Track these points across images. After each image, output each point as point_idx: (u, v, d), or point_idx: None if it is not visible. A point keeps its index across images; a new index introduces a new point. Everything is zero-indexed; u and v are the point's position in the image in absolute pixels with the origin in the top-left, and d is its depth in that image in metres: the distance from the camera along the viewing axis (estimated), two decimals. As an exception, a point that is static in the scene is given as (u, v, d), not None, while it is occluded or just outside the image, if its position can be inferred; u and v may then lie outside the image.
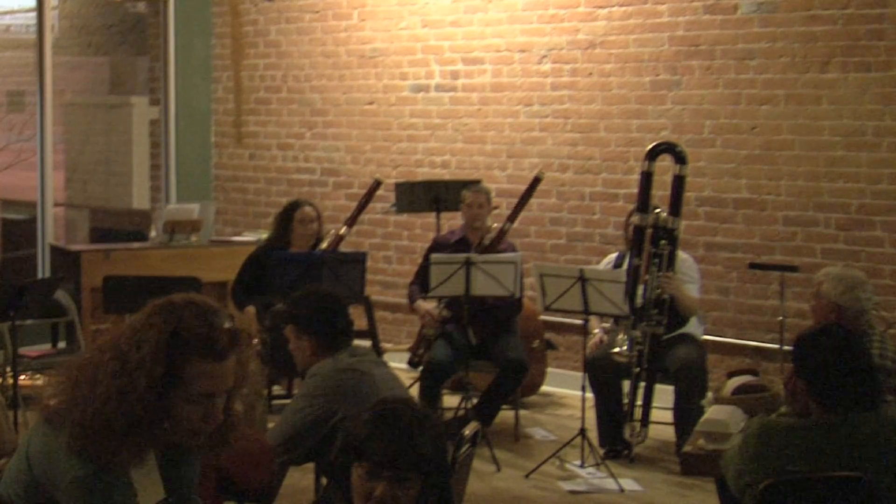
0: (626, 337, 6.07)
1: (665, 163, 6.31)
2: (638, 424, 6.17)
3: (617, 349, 6.06)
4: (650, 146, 6.34)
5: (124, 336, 2.42)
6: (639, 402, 6.16)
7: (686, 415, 6.06)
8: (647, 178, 6.19)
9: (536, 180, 6.78)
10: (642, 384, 6.14)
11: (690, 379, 6.09)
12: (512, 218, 6.71)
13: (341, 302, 4.31)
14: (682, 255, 6.33)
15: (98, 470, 2.38)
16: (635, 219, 6.20)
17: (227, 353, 2.41)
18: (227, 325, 2.43)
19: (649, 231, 6.15)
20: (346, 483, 2.49)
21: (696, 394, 6.14)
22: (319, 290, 4.46)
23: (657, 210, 6.16)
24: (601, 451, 6.11)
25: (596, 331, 6.50)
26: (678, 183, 6.21)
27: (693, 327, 6.34)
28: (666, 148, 6.30)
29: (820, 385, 3.32)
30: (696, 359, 6.17)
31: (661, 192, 6.28)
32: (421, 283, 6.66)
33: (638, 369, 6.08)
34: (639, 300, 6.09)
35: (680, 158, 6.21)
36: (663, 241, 6.11)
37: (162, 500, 2.55)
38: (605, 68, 7.54)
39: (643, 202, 6.18)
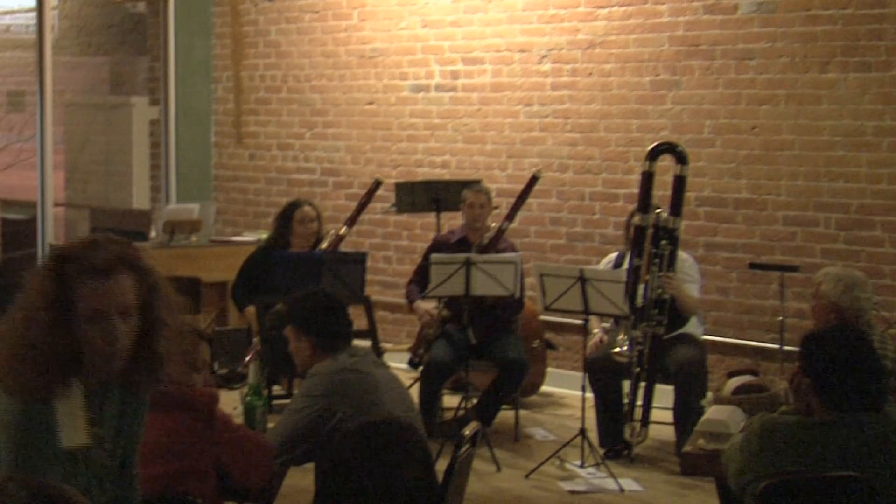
0: (626, 337, 6.06)
1: (665, 163, 6.31)
2: (638, 424, 6.16)
3: (617, 349, 6.06)
4: (651, 146, 6.34)
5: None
6: (639, 403, 6.16)
7: (686, 415, 6.06)
8: (647, 179, 6.19)
9: (534, 179, 6.77)
10: (642, 384, 6.14)
11: (690, 379, 6.09)
12: (510, 217, 6.71)
13: (340, 303, 4.31)
14: (682, 255, 6.33)
15: (21, 404, 2.50)
16: (636, 219, 6.20)
17: (112, 271, 2.52)
18: (114, 247, 2.56)
19: (650, 231, 6.15)
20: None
21: (695, 394, 6.13)
22: (319, 291, 4.46)
23: (658, 210, 6.16)
24: (601, 452, 6.11)
25: (596, 330, 6.49)
26: (679, 183, 6.21)
27: (693, 327, 6.34)
28: (667, 148, 6.30)
29: (825, 383, 3.32)
30: (697, 359, 6.16)
31: (662, 192, 6.28)
32: (420, 282, 6.66)
33: (638, 369, 6.08)
34: (639, 300, 6.09)
35: (681, 158, 6.21)
36: (664, 241, 6.11)
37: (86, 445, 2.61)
38: (605, 68, 7.54)
39: (644, 202, 6.18)
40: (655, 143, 6.39)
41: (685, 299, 6.18)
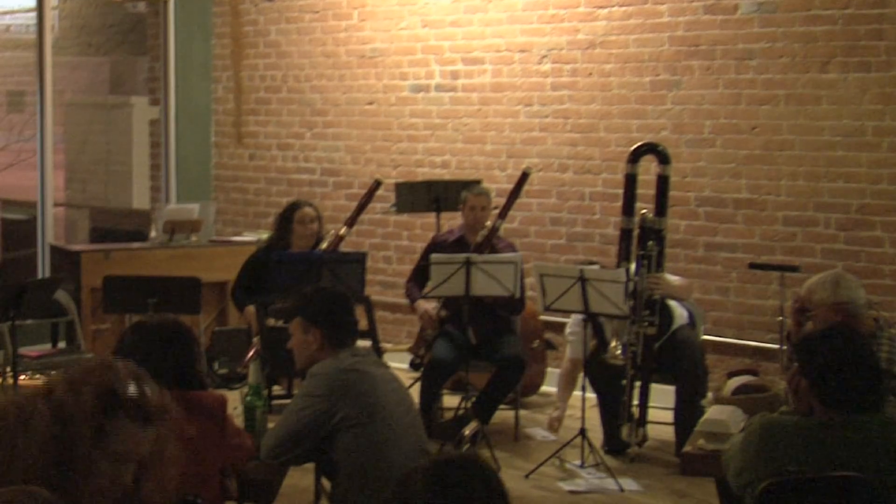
0: (618, 343, 6.04)
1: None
2: (635, 425, 6.16)
3: (613, 354, 6.04)
4: (632, 148, 6.33)
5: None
6: (635, 402, 6.16)
7: (688, 416, 6.06)
8: (631, 181, 6.19)
9: (524, 175, 6.76)
10: (638, 384, 6.13)
11: (695, 382, 6.09)
12: (503, 215, 6.70)
13: (350, 299, 4.33)
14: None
15: None
16: (622, 221, 6.19)
17: (153, 422, 2.36)
18: (160, 398, 2.39)
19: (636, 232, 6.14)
20: None
21: (699, 396, 6.15)
22: (330, 287, 4.48)
23: (643, 211, 6.15)
24: (601, 451, 6.11)
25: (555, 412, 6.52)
26: (662, 182, 6.19)
27: (681, 318, 6.31)
28: (648, 149, 6.30)
29: (824, 384, 3.32)
30: (699, 362, 6.16)
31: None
32: (418, 281, 6.68)
33: (633, 371, 6.07)
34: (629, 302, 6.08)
35: (663, 158, 6.21)
36: (651, 242, 6.10)
37: None
38: (605, 68, 7.54)
39: (628, 204, 6.18)
40: (636, 145, 6.37)
41: (677, 291, 6.20)
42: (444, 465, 2.19)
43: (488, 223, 6.68)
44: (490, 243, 6.60)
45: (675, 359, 6.11)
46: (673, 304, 6.27)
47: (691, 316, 6.43)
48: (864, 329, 4.40)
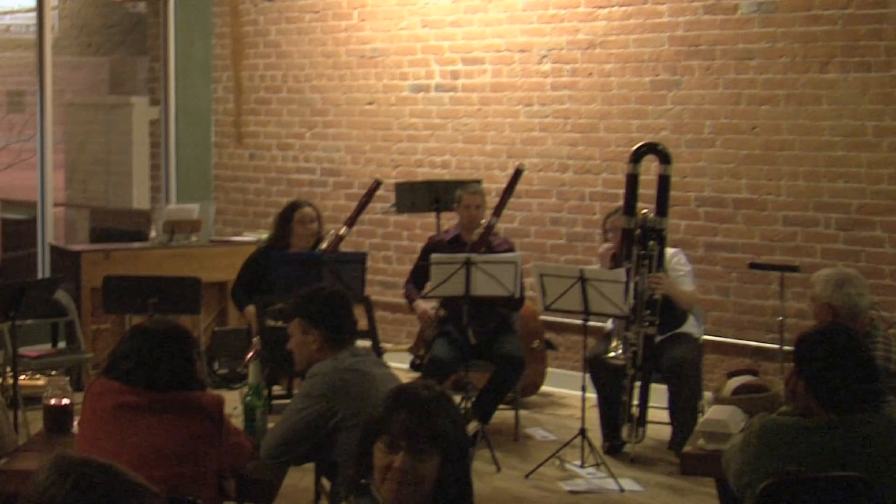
0: (619, 342, 6.04)
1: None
2: (635, 425, 6.16)
3: (612, 354, 6.04)
4: (634, 148, 6.32)
5: None
6: (635, 402, 6.16)
7: (680, 414, 6.06)
8: (632, 181, 6.19)
9: (518, 172, 6.75)
10: (638, 384, 6.13)
11: (681, 377, 6.08)
12: (497, 212, 6.70)
13: (349, 299, 4.32)
14: (669, 251, 6.31)
15: None
16: (623, 221, 6.18)
17: None
18: None
19: (637, 232, 6.14)
20: (367, 467, 2.53)
21: (687, 392, 6.11)
22: (329, 287, 4.47)
23: (644, 211, 6.15)
24: (601, 451, 6.11)
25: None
26: (663, 182, 6.19)
27: (691, 326, 6.32)
28: (649, 149, 6.29)
29: (821, 385, 3.32)
30: (688, 357, 6.14)
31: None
32: (416, 282, 6.68)
33: (633, 371, 6.07)
34: (630, 301, 6.08)
35: (664, 158, 6.21)
36: (652, 242, 6.09)
37: None
38: (605, 68, 7.54)
39: (629, 204, 6.18)
40: (637, 146, 6.37)
41: (680, 296, 6.18)
42: (404, 385, 2.79)
43: (483, 221, 6.67)
44: (486, 241, 6.60)
45: (667, 355, 6.10)
46: (692, 317, 6.28)
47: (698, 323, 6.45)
48: (859, 329, 4.42)
